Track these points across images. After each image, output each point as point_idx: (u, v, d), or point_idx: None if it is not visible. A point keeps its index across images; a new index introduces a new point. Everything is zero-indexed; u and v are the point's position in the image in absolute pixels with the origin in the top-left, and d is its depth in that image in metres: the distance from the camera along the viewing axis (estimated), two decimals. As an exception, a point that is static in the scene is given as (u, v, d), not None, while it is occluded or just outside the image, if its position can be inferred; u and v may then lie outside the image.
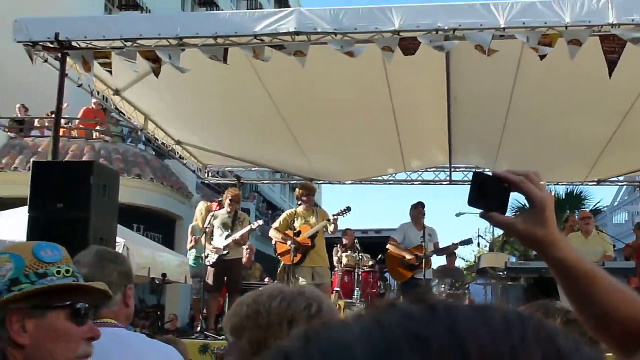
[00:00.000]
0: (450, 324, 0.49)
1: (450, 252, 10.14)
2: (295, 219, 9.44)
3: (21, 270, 1.66)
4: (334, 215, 9.39)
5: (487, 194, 1.36)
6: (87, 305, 1.77)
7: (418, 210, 9.93)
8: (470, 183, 1.38)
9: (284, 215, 9.97)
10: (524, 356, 0.48)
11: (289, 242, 9.20)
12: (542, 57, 6.48)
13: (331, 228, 9.43)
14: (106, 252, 2.56)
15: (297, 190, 9.92)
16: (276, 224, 9.88)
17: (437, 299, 0.53)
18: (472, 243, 10.59)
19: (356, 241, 11.77)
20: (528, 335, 0.49)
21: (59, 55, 7.37)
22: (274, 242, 9.98)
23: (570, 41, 6.25)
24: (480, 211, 1.37)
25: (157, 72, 7.20)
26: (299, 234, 9.28)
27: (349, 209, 9.64)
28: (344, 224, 10.12)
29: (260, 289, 1.69)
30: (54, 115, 7.94)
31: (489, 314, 0.52)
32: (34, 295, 1.66)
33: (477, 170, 9.14)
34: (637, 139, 9.48)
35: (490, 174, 1.38)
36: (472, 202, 1.36)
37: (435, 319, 0.50)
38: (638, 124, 9.01)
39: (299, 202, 9.71)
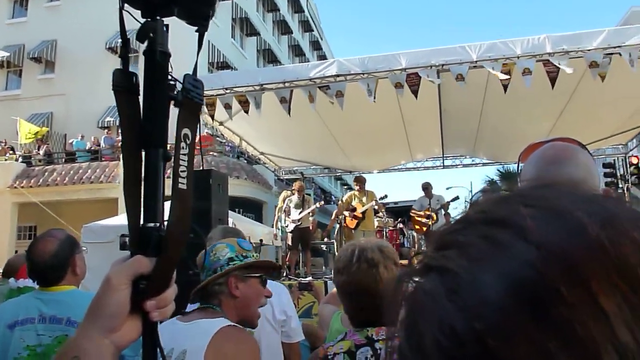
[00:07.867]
0: None
1: (447, 207, 10.02)
2: (353, 199, 9.49)
3: (234, 253, 1.96)
4: (376, 200, 9.37)
5: None
6: (267, 276, 2.06)
7: (427, 188, 9.99)
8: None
9: (345, 197, 9.96)
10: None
11: (347, 213, 9.44)
12: (505, 85, 6.34)
13: (376, 207, 9.50)
14: (229, 228, 2.73)
15: (354, 180, 9.89)
16: (340, 203, 9.93)
17: None
18: (459, 199, 10.60)
19: (383, 210, 11.72)
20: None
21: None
22: (333, 216, 9.99)
23: (523, 71, 6.11)
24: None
25: (246, 110, 7.25)
26: (354, 209, 9.38)
27: (386, 196, 9.64)
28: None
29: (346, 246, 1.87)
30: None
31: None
32: (244, 268, 1.94)
33: None
34: (567, 131, 9.18)
35: None
36: None
37: None
38: (568, 120, 8.81)
39: (355, 188, 9.72)
